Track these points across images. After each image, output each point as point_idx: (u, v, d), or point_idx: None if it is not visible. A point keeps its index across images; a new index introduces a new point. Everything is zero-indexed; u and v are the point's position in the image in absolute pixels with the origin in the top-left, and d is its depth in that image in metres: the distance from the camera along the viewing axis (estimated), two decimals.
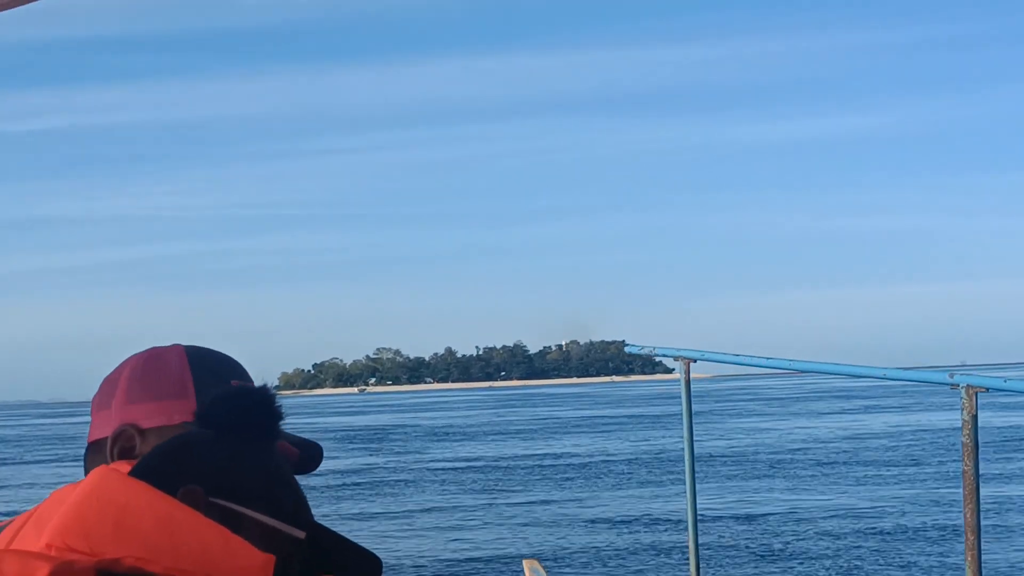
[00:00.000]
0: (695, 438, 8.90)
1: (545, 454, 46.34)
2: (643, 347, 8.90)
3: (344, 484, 40.26)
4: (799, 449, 45.07)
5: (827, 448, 44.24)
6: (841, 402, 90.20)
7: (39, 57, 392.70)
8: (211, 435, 1.80)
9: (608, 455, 45.02)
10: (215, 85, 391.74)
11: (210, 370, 2.25)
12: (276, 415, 1.85)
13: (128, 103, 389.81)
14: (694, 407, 8.85)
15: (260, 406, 1.85)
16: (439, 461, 49.52)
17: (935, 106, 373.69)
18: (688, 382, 8.48)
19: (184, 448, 1.78)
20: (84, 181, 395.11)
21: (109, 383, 2.25)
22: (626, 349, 9.07)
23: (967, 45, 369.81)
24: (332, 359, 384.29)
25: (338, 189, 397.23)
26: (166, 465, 1.75)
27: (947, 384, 7.04)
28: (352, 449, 56.98)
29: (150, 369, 2.24)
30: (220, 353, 2.31)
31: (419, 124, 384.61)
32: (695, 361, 8.50)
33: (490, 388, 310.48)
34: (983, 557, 6.78)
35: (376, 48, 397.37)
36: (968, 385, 6.81)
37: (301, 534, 1.77)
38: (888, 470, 36.22)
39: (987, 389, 6.88)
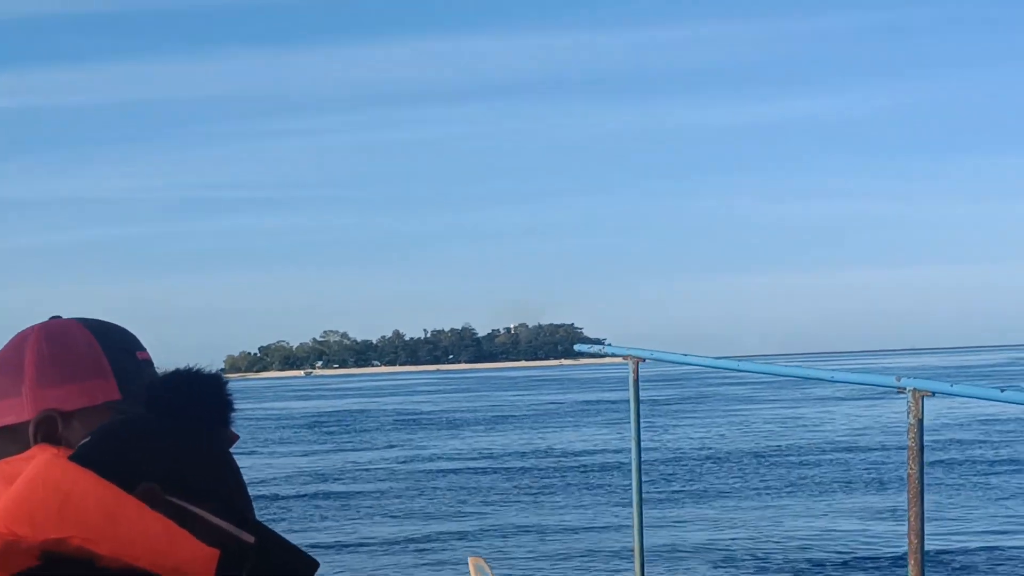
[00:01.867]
0: (643, 429, 8.92)
1: (492, 448, 46.30)
2: (592, 346, 8.92)
3: (285, 476, 40.14)
4: (747, 451, 45.24)
5: (778, 445, 44.43)
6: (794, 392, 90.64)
7: None
8: (160, 422, 1.78)
9: (559, 449, 45.02)
10: (167, 67, 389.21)
11: (119, 346, 2.21)
12: (230, 403, 1.84)
13: (80, 85, 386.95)
14: (644, 393, 8.87)
15: (215, 393, 1.83)
16: (386, 450, 49.50)
17: (887, 91, 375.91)
18: (636, 382, 8.49)
19: (134, 438, 1.76)
20: (34, 163, 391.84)
21: (9, 367, 2.20)
22: (576, 348, 9.09)
23: (916, 31, 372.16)
24: (278, 342, 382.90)
25: (288, 171, 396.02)
26: (114, 455, 1.73)
27: (894, 387, 7.08)
28: (294, 439, 56.81)
29: (58, 349, 2.18)
30: (116, 325, 2.27)
31: (371, 107, 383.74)
32: (644, 360, 8.51)
33: (438, 371, 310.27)
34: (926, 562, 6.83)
35: (328, 31, 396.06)
36: (915, 389, 6.85)
37: (251, 538, 1.76)
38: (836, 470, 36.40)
39: (933, 393, 6.92)
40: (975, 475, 33.38)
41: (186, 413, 1.79)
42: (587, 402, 77.68)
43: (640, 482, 8.74)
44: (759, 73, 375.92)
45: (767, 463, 36.65)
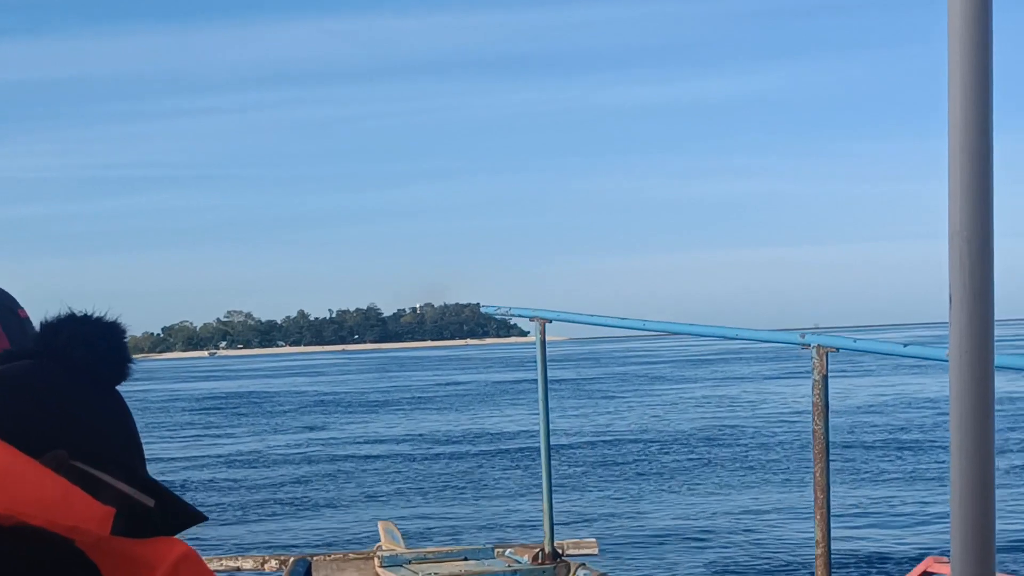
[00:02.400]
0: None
1: (412, 430, 46.30)
2: (499, 308, 8.89)
3: (199, 460, 39.92)
4: (655, 433, 45.55)
5: (682, 424, 44.78)
6: (701, 368, 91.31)
7: None
8: (56, 373, 1.70)
9: (477, 429, 45.10)
10: (73, 44, 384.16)
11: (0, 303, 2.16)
12: (129, 354, 1.78)
13: None
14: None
15: (118, 342, 1.77)
16: (300, 433, 49.37)
17: (791, 73, 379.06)
18: (543, 343, 8.47)
19: (31, 389, 1.69)
20: None
21: None
22: (481, 310, 9.06)
23: (822, 13, 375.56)
24: (182, 322, 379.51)
25: (194, 151, 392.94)
26: (18, 417, 1.66)
27: (799, 344, 7.12)
28: (204, 422, 56.50)
29: None
30: None
31: (278, 86, 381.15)
32: (550, 321, 8.50)
33: (343, 351, 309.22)
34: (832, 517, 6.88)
35: (237, 9, 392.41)
36: (819, 345, 6.89)
37: (151, 501, 1.73)
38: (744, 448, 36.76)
39: (837, 349, 6.97)
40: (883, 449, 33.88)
41: (88, 363, 1.73)
42: (502, 382, 77.55)
43: (548, 444, 8.73)
44: (670, 54, 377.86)
45: (679, 442, 36.85)
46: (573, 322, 8.56)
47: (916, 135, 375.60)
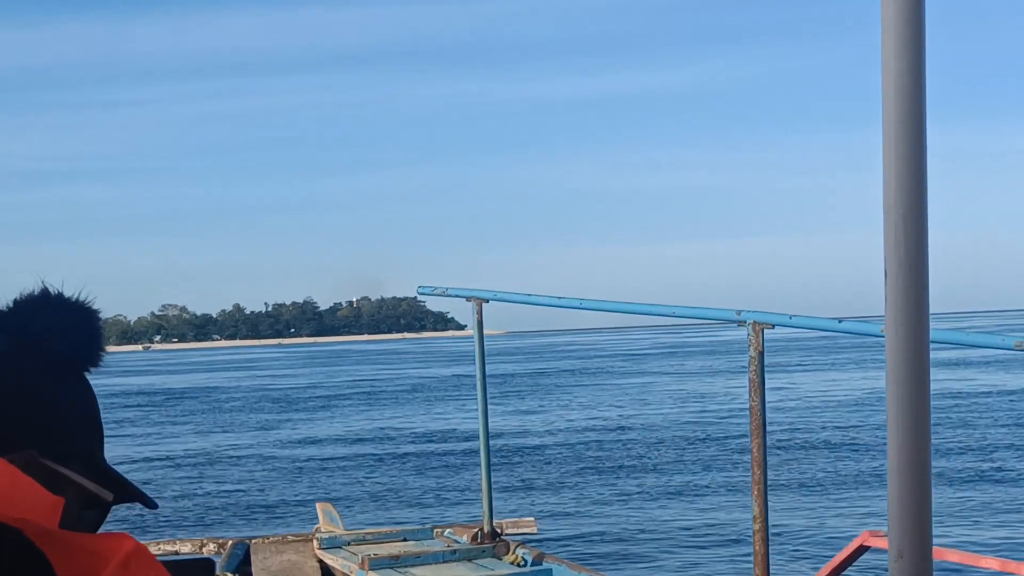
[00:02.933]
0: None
1: (358, 428, 46.22)
2: (435, 288, 8.89)
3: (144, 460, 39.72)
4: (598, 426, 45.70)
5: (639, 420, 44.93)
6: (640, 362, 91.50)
7: None
8: (28, 363, 1.64)
9: (422, 427, 45.11)
10: (3, 34, 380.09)
11: None
12: (104, 344, 1.74)
13: None
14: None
15: (96, 332, 1.72)
16: (249, 432, 49.20)
17: (735, 62, 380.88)
18: (480, 323, 8.49)
19: (3, 382, 1.62)
20: None
21: None
22: (418, 290, 9.05)
23: (757, 2, 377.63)
24: (116, 316, 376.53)
25: (125, 141, 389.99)
26: None
27: (735, 321, 7.17)
28: (146, 420, 56.21)
29: None
30: None
31: (213, 76, 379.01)
32: (487, 301, 8.52)
33: (279, 345, 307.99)
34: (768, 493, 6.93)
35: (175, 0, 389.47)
36: (755, 322, 6.95)
37: (110, 496, 1.70)
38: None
39: (773, 326, 7.02)
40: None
41: (61, 353, 1.68)
42: (440, 377, 77.23)
43: (487, 424, 8.75)
44: (602, 45, 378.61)
45: (620, 432, 36.90)
46: (510, 302, 8.57)
47: (845, 126, 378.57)
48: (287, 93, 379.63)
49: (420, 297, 9.26)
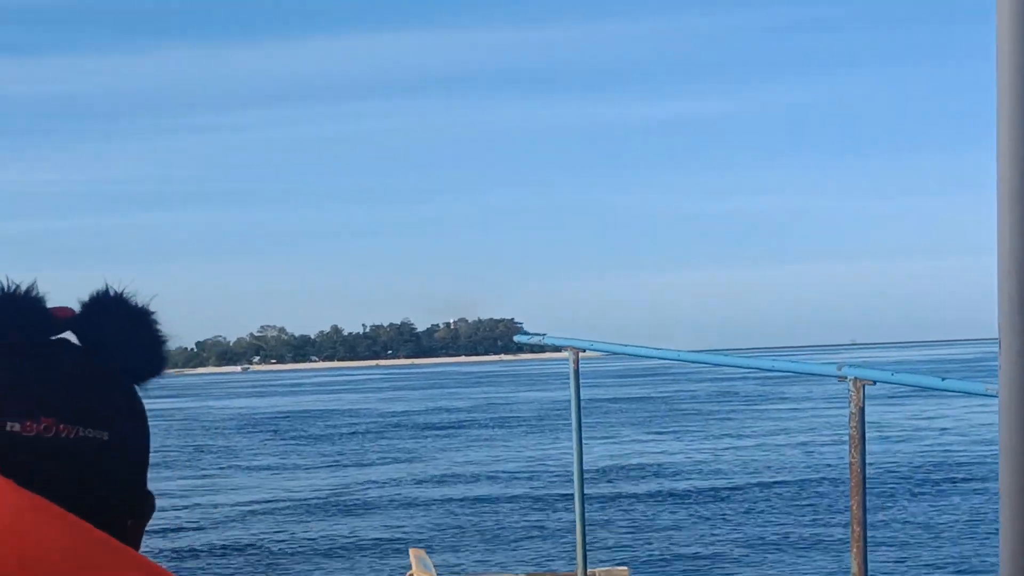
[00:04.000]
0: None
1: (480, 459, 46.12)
2: (533, 335, 8.86)
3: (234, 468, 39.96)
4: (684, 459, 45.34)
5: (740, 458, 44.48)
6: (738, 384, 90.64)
7: None
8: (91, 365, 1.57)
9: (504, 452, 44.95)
10: (96, 60, 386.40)
11: None
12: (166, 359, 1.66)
13: (9, 77, 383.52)
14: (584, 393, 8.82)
15: (159, 349, 1.66)
16: (318, 444, 49.36)
17: (819, 87, 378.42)
18: (577, 371, 8.44)
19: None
20: None
21: None
22: (516, 339, 9.03)
23: (837, 27, 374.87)
24: (215, 337, 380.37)
25: (224, 165, 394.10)
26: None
27: (835, 376, 7.07)
28: (264, 448, 56.50)
29: None
30: None
31: (308, 101, 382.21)
32: (583, 351, 8.47)
33: (377, 367, 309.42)
34: (869, 549, 6.83)
35: (259, 25, 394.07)
36: (856, 378, 6.86)
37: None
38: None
39: (874, 382, 6.92)
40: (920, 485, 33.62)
41: (122, 361, 1.60)
42: (535, 402, 76.59)
43: (581, 472, 8.69)
44: (698, 68, 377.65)
45: (715, 470, 36.41)
46: (608, 352, 8.52)
47: (951, 148, 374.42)
48: (381, 117, 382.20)
49: (518, 343, 9.22)
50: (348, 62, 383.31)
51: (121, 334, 1.62)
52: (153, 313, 1.67)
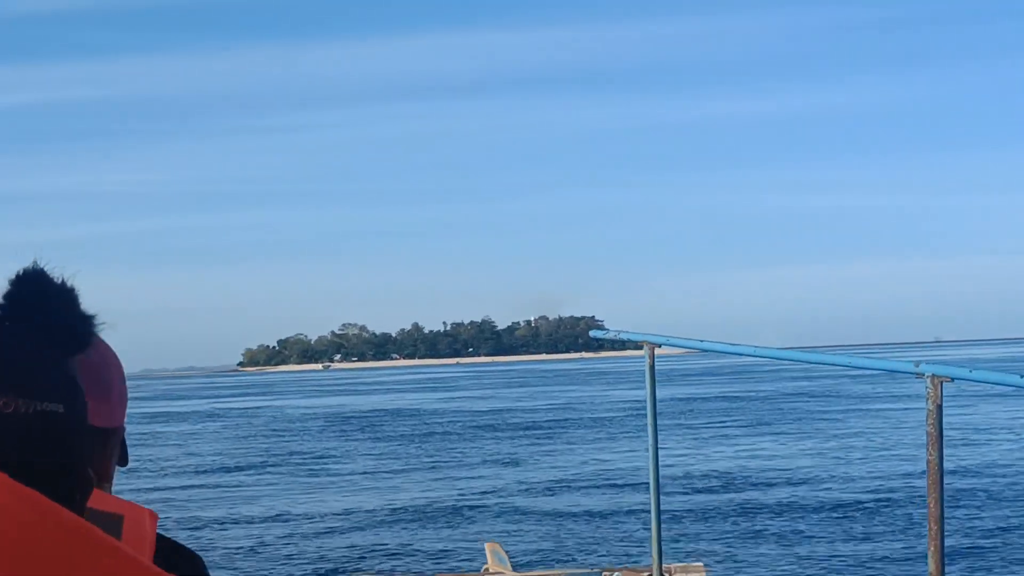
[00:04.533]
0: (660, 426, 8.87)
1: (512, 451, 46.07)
2: (608, 332, 8.86)
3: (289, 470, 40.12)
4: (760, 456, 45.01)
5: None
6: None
7: (9, 32, 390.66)
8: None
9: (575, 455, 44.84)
10: (183, 61, 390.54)
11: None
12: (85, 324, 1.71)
13: (97, 79, 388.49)
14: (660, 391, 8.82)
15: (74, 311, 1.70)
16: (394, 443, 49.49)
17: (906, 84, 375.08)
18: (652, 367, 8.43)
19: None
20: (52, 157, 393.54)
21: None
22: (591, 334, 9.03)
23: (934, 24, 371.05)
24: (297, 335, 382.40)
25: (308, 164, 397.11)
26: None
27: (912, 373, 7.01)
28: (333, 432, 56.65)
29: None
30: None
31: (392, 100, 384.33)
32: (659, 346, 8.46)
33: (458, 364, 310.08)
34: (946, 547, 6.77)
35: (346, 24, 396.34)
36: (933, 375, 6.78)
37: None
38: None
39: (952, 379, 6.85)
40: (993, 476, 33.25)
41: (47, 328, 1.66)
42: (627, 403, 75.80)
43: (657, 467, 8.68)
44: (777, 66, 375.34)
45: (793, 471, 36.03)
46: (684, 347, 8.50)
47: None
48: (462, 116, 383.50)
49: (593, 339, 9.23)
50: (424, 61, 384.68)
51: (47, 309, 1.67)
52: (73, 288, 1.71)
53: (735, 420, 56.99)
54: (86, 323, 1.70)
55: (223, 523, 28.02)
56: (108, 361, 2.21)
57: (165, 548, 1.96)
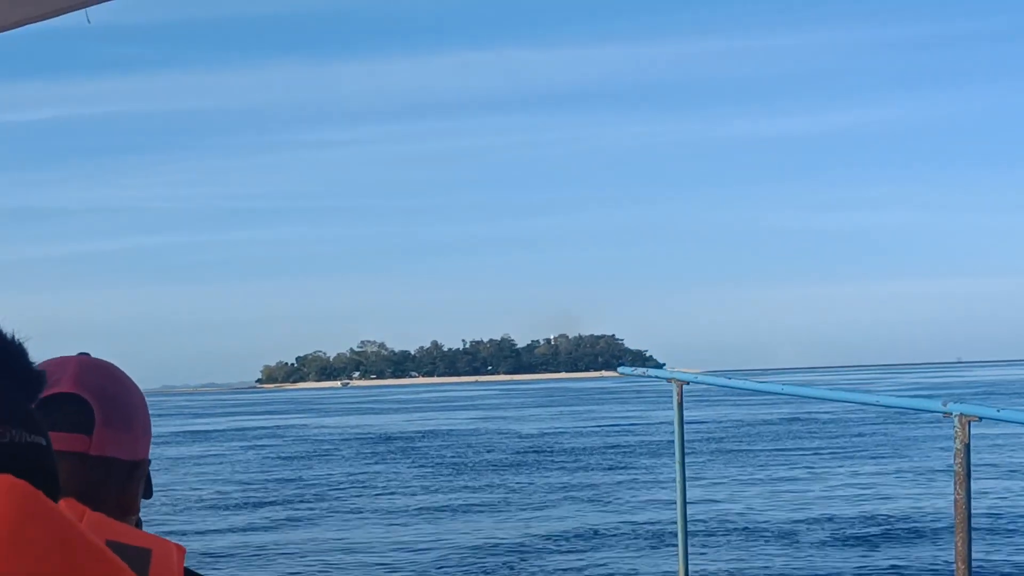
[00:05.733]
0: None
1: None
2: (635, 369, 8.91)
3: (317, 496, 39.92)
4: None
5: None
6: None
7: (32, 47, 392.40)
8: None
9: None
10: (211, 77, 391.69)
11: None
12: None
13: (122, 94, 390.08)
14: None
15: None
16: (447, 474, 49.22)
17: (928, 102, 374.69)
18: (681, 406, 8.47)
19: None
20: (76, 172, 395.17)
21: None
22: (619, 370, 9.08)
23: (960, 42, 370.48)
24: (315, 352, 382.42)
25: (326, 181, 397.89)
26: None
27: (940, 412, 7.06)
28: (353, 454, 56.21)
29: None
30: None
31: (411, 117, 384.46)
32: (687, 384, 8.50)
33: (476, 383, 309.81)
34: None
35: (371, 41, 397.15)
36: (961, 414, 6.83)
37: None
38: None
39: (980, 418, 6.90)
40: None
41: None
42: (652, 426, 74.82)
43: (685, 509, 8.72)
44: (801, 85, 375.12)
45: (818, 507, 35.75)
46: (712, 384, 8.56)
47: None
48: (483, 133, 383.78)
49: (621, 375, 9.28)
50: (448, 79, 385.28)
51: (7, 356, 1.72)
52: (22, 343, 1.76)
53: (764, 449, 56.71)
54: (42, 375, 1.74)
55: (260, 558, 26.68)
56: (129, 390, 2.26)
57: None
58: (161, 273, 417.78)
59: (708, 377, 8.59)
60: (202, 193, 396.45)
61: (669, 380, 8.56)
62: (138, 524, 2.19)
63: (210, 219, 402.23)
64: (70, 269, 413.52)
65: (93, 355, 2.30)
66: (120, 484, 2.16)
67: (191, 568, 2.05)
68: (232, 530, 30.86)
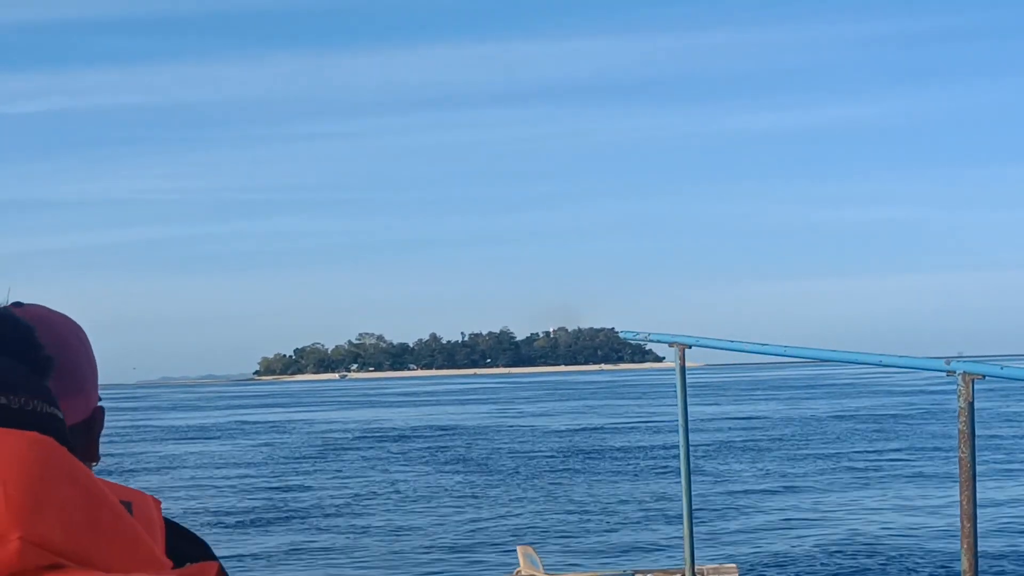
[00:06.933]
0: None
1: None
2: (637, 333, 8.88)
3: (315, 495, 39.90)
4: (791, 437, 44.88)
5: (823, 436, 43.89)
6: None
7: (34, 39, 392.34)
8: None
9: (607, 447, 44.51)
10: (210, 69, 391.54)
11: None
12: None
13: (123, 86, 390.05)
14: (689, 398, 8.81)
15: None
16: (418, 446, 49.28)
17: (930, 97, 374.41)
18: (683, 368, 8.45)
19: None
20: (77, 164, 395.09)
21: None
22: (619, 334, 9.05)
23: (961, 38, 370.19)
24: (314, 344, 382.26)
25: (326, 173, 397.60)
26: None
27: (943, 371, 7.03)
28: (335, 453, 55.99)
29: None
30: None
31: (412, 110, 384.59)
32: (689, 347, 8.48)
33: (475, 375, 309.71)
34: (979, 544, 6.78)
35: (372, 33, 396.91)
36: (964, 372, 6.81)
37: None
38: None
39: (983, 376, 6.87)
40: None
41: None
42: (652, 417, 73.85)
43: (688, 468, 8.70)
44: (805, 79, 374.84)
45: (825, 471, 35.92)
46: (713, 347, 8.52)
47: None
48: (484, 126, 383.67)
49: (622, 337, 9.24)
50: (449, 72, 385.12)
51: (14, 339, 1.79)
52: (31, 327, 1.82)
53: (764, 440, 56.71)
54: (51, 358, 1.81)
55: (260, 559, 24.84)
56: (67, 344, 2.20)
57: (172, 532, 2.02)
58: (159, 265, 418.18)
59: (710, 340, 8.54)
60: (200, 185, 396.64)
61: (671, 344, 8.55)
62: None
63: (208, 211, 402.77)
64: (67, 261, 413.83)
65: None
66: (83, 443, 2.14)
67: (168, 518, 2.04)
68: (232, 530, 30.51)
